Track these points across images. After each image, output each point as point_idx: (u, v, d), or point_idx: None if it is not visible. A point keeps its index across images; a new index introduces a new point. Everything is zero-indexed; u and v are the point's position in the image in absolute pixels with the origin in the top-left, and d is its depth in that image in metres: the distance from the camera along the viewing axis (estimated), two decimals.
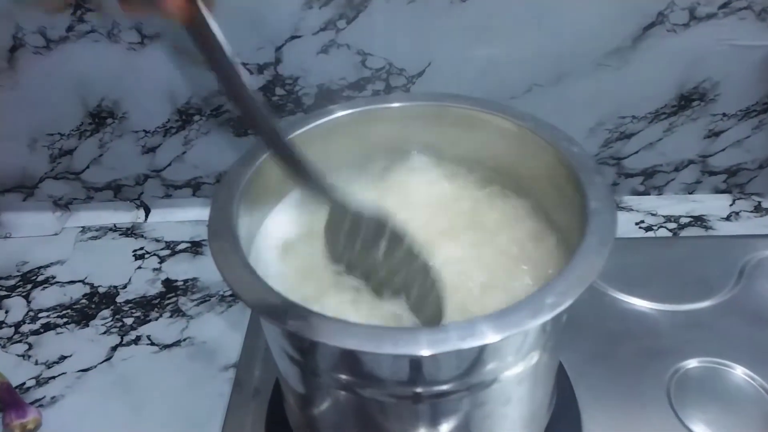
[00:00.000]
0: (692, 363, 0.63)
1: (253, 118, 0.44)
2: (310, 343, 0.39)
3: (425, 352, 0.34)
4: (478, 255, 0.51)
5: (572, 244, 0.43)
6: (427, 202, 0.55)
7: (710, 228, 0.83)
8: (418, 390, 0.40)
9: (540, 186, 0.53)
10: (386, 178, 0.58)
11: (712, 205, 0.87)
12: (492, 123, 0.54)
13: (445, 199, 0.56)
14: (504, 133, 0.53)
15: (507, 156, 0.55)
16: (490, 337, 0.34)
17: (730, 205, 0.87)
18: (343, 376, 0.42)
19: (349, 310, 0.47)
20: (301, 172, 0.46)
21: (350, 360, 0.40)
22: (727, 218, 0.85)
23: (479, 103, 0.54)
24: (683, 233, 0.83)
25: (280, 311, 0.37)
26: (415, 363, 0.38)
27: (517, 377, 0.42)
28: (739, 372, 0.62)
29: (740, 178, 0.87)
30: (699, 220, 0.85)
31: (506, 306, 0.36)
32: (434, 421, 0.43)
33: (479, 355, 0.38)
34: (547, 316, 0.35)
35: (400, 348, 0.34)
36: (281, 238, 0.53)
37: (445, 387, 0.40)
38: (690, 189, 0.88)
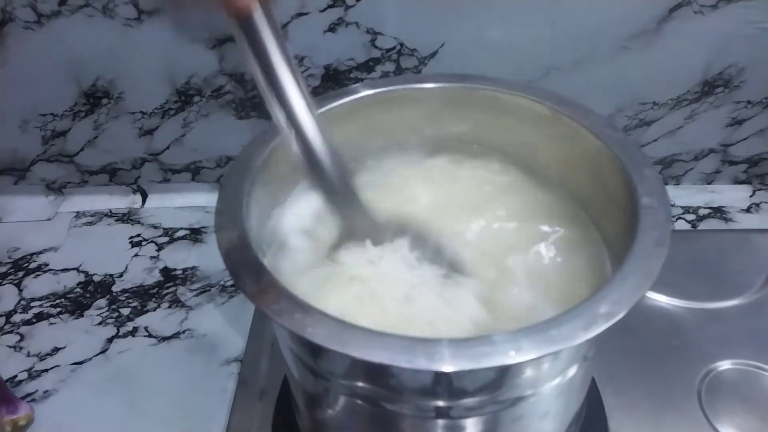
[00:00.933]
0: (725, 365, 0.60)
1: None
2: (328, 351, 0.36)
3: (465, 368, 0.30)
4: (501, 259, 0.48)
5: (612, 245, 0.39)
6: (447, 192, 0.52)
7: (730, 220, 0.81)
8: (448, 404, 0.37)
9: (576, 179, 0.50)
10: (406, 166, 0.56)
11: (732, 196, 0.85)
12: (524, 107, 0.50)
13: (467, 189, 0.53)
14: (536, 118, 0.50)
15: (539, 143, 0.51)
16: (538, 351, 0.31)
17: (750, 196, 0.85)
18: (363, 385, 0.39)
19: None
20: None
21: (373, 370, 0.37)
22: (747, 210, 0.83)
23: (508, 84, 0.51)
24: (702, 225, 0.81)
25: (298, 317, 0.34)
26: (447, 377, 0.35)
27: (556, 389, 0.39)
28: None
29: (761, 169, 0.84)
30: (718, 212, 0.83)
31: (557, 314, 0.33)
32: None
33: (520, 369, 0.35)
34: (602, 327, 0.32)
35: (436, 363, 0.31)
36: (296, 228, 0.50)
37: (477, 401, 0.37)
38: (709, 179, 0.86)
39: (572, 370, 0.39)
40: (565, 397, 0.42)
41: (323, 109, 0.49)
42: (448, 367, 0.31)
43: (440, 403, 0.37)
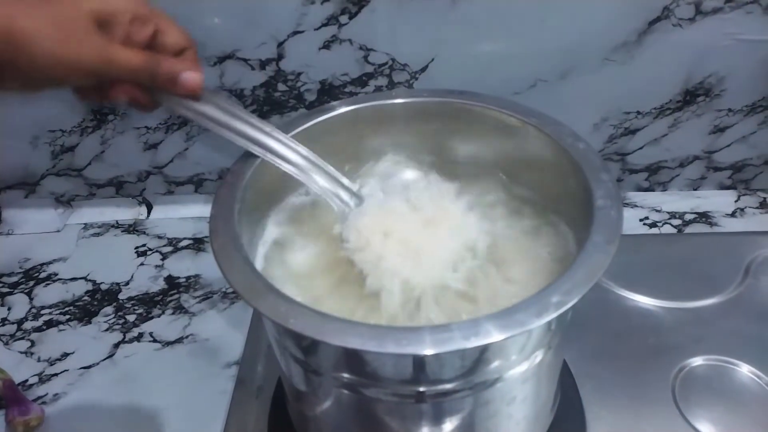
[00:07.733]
0: (697, 361, 0.63)
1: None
2: (312, 342, 0.39)
3: (429, 352, 0.33)
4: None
5: (578, 241, 0.42)
6: (427, 200, 0.54)
7: (715, 224, 0.83)
8: (422, 389, 0.40)
9: (544, 183, 0.52)
10: (387, 176, 0.58)
11: (717, 201, 0.86)
12: (496, 119, 0.53)
13: (445, 196, 0.55)
14: (508, 129, 0.53)
15: (511, 152, 0.54)
16: (494, 336, 0.34)
17: (735, 201, 0.87)
18: (346, 375, 0.41)
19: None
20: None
21: (353, 359, 0.39)
22: (732, 215, 0.84)
23: (482, 98, 0.54)
24: (688, 230, 0.82)
25: (282, 310, 0.37)
26: (419, 362, 0.38)
27: (521, 376, 0.41)
28: (745, 370, 0.62)
29: (745, 174, 0.86)
30: (704, 217, 0.84)
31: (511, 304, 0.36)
32: (438, 420, 0.42)
33: (483, 354, 0.38)
34: (552, 315, 0.34)
35: (404, 347, 0.34)
36: (284, 236, 0.53)
37: (448, 386, 0.40)
38: (695, 185, 0.88)
39: (537, 357, 0.42)
40: (532, 384, 0.44)
41: (306, 126, 0.54)
42: (414, 351, 0.33)
43: (413, 388, 0.40)
